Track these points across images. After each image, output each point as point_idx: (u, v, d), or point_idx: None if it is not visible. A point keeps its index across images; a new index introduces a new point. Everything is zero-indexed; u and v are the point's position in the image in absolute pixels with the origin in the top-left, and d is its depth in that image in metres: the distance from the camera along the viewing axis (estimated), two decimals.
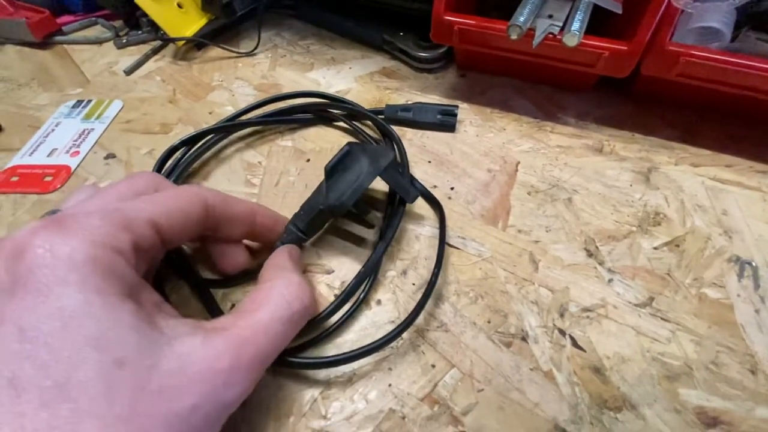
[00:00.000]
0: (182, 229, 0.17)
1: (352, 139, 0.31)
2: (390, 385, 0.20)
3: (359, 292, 0.22)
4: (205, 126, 0.31)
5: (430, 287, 0.21)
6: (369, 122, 0.31)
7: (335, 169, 0.21)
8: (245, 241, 0.23)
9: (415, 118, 0.31)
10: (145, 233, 0.15)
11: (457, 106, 0.31)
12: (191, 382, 0.13)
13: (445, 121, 0.31)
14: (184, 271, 0.23)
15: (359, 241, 0.25)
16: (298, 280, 0.17)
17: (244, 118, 0.31)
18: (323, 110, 0.32)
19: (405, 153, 0.28)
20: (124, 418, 0.12)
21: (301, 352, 0.20)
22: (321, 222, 0.23)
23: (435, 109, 0.31)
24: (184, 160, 0.28)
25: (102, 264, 0.13)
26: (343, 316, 0.21)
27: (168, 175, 0.27)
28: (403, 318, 0.22)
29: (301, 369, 0.20)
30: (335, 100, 0.32)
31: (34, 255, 0.13)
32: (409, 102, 0.33)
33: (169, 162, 0.28)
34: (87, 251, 0.13)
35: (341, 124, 0.32)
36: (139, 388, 0.12)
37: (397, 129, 0.31)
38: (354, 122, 0.31)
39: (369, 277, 0.23)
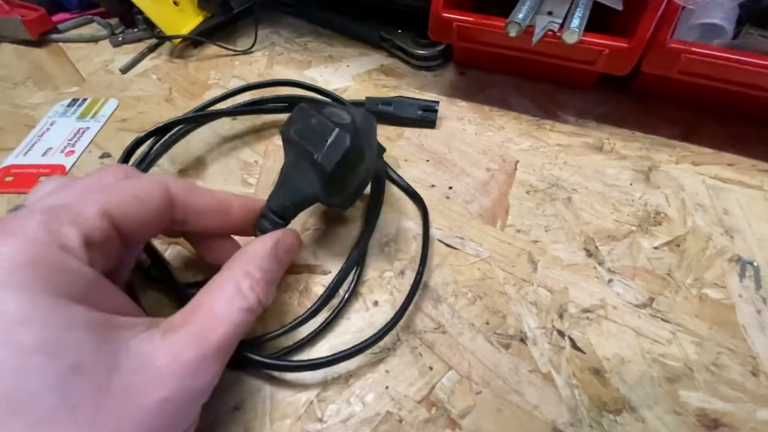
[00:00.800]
0: (140, 220, 0.16)
1: None
2: (387, 387, 0.19)
3: (348, 283, 0.22)
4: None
5: (417, 281, 0.21)
6: None
7: (290, 133, 0.19)
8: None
9: (395, 113, 0.31)
10: (96, 225, 0.14)
11: (437, 102, 0.31)
12: (157, 376, 0.13)
13: (425, 117, 0.31)
14: (162, 273, 0.22)
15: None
16: (256, 275, 0.16)
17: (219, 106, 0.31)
18: (300, 100, 0.31)
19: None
20: (89, 422, 0.11)
21: (295, 352, 0.20)
22: (297, 195, 0.20)
23: (416, 104, 0.31)
24: (154, 152, 0.28)
25: (47, 264, 0.12)
26: (334, 310, 0.21)
27: (137, 167, 0.27)
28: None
29: (286, 372, 0.20)
30: (311, 89, 0.31)
31: None
32: None
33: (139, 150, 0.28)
34: (28, 251, 0.12)
35: None
36: (101, 390, 0.12)
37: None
38: None
39: (357, 266, 0.23)
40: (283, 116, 0.32)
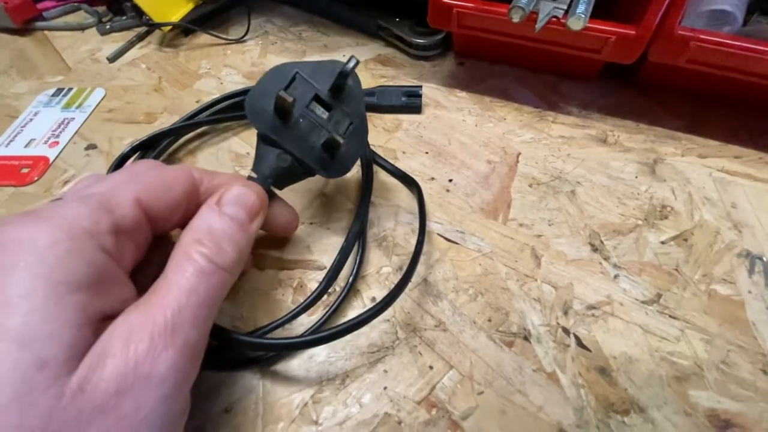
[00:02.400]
0: (169, 205, 0.16)
1: None
2: (385, 387, 0.19)
3: (346, 278, 0.21)
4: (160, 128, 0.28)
5: (413, 263, 0.20)
6: None
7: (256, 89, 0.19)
8: None
9: (379, 102, 0.30)
10: (128, 213, 0.14)
11: (420, 86, 0.31)
12: (108, 369, 0.12)
13: (410, 103, 0.30)
14: None
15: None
16: (199, 236, 0.15)
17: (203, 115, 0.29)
18: None
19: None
20: (37, 426, 0.10)
21: (294, 349, 0.19)
22: (277, 157, 0.19)
23: (399, 91, 0.31)
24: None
25: (65, 248, 0.12)
26: (331, 306, 0.20)
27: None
28: (398, 315, 0.21)
29: (281, 351, 0.19)
30: None
31: (1, 245, 0.12)
32: None
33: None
34: (51, 235, 0.12)
35: None
36: (58, 393, 0.11)
37: None
38: None
39: (358, 253, 0.22)
40: None
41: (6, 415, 0.10)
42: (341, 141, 0.19)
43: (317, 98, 0.20)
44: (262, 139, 0.19)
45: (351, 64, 0.19)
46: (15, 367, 0.11)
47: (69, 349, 0.11)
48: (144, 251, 0.16)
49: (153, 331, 0.12)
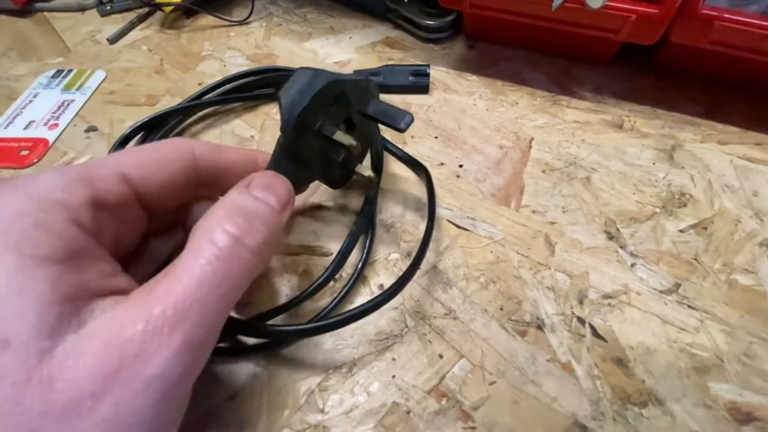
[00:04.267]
0: (162, 182, 0.15)
1: None
2: (393, 376, 0.18)
3: (355, 265, 0.21)
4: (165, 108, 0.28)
5: (422, 250, 0.20)
6: None
7: (287, 91, 0.17)
8: None
9: (385, 82, 0.29)
10: (110, 187, 0.13)
11: (428, 65, 0.30)
12: (88, 365, 0.10)
13: (417, 83, 0.29)
14: None
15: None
16: (224, 214, 0.13)
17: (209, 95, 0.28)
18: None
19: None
20: (5, 414, 0.09)
21: (298, 337, 0.19)
22: (295, 166, 0.18)
23: (406, 70, 0.30)
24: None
25: (33, 219, 0.11)
26: (340, 293, 0.20)
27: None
28: (407, 303, 0.20)
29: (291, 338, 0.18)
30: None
31: None
32: None
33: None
34: (19, 205, 0.11)
35: None
36: (24, 377, 0.10)
37: None
38: None
39: (366, 240, 0.21)
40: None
41: None
42: (372, 177, 0.19)
43: (347, 119, 0.19)
44: (286, 149, 0.18)
45: (406, 124, 0.18)
46: None
47: (36, 327, 0.10)
48: (135, 232, 0.15)
49: (147, 327, 0.11)
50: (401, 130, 0.19)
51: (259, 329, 0.18)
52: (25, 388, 0.10)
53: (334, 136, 0.18)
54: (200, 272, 0.12)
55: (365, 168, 0.20)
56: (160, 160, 0.15)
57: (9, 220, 0.11)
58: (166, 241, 0.18)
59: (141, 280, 0.13)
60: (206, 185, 0.17)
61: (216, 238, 0.13)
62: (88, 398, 0.10)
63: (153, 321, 0.11)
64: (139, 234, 0.15)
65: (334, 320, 0.17)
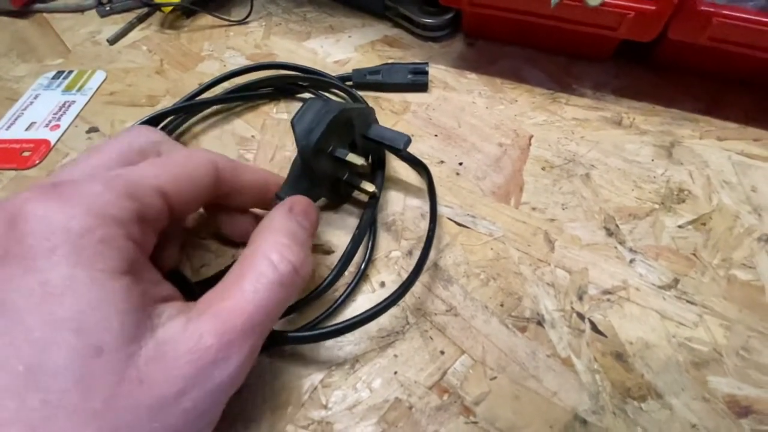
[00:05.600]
0: (191, 197, 0.16)
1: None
2: (396, 372, 0.18)
3: (358, 264, 0.21)
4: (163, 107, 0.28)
5: (425, 250, 0.20)
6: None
7: (300, 119, 0.19)
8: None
9: (384, 81, 0.30)
10: (152, 202, 0.14)
11: (427, 63, 0.30)
12: (172, 367, 0.12)
13: (416, 81, 0.30)
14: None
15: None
16: (284, 241, 0.15)
17: (207, 94, 0.29)
18: (293, 82, 0.29)
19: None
20: (100, 413, 0.11)
21: (306, 342, 0.19)
22: (307, 189, 0.20)
23: (405, 68, 0.30)
24: None
25: (99, 236, 0.12)
26: (345, 291, 0.20)
27: None
28: (408, 300, 0.20)
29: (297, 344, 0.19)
30: (297, 70, 0.30)
31: (26, 222, 0.12)
32: None
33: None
34: (84, 221, 0.12)
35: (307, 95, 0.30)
36: (117, 378, 0.11)
37: (370, 94, 0.30)
38: (321, 92, 0.30)
39: (369, 242, 0.22)
40: (293, 99, 0.30)
41: (69, 398, 0.10)
42: (374, 192, 0.21)
43: (352, 142, 0.21)
44: (303, 171, 0.19)
45: (405, 145, 0.21)
46: (73, 354, 0.11)
47: (122, 335, 0.11)
48: (157, 237, 0.16)
49: (223, 338, 0.12)
50: (401, 151, 0.21)
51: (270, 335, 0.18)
52: (117, 387, 0.11)
53: (347, 158, 0.20)
54: (265, 296, 0.13)
55: (367, 183, 0.21)
56: (192, 176, 0.16)
57: (77, 236, 0.11)
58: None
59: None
60: (222, 198, 0.18)
61: (278, 265, 0.14)
62: (171, 396, 0.12)
63: (228, 334, 0.13)
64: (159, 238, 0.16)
65: (341, 326, 0.17)
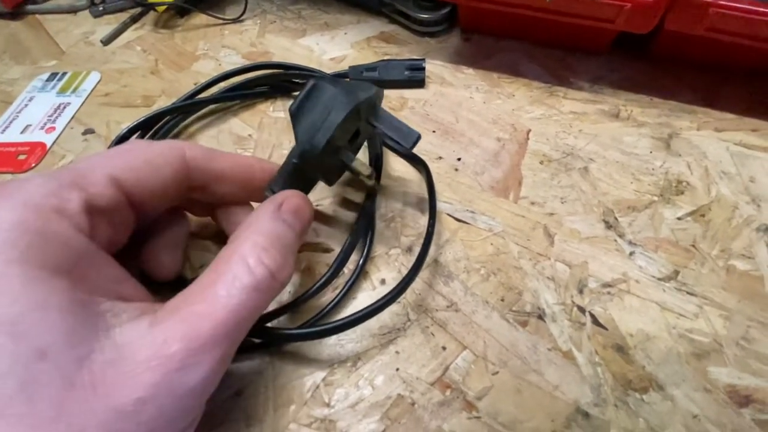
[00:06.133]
0: (154, 187, 0.15)
1: None
2: (397, 369, 0.18)
3: (356, 260, 0.21)
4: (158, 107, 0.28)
5: (425, 246, 0.20)
6: None
7: (302, 109, 0.17)
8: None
9: (381, 77, 0.29)
10: (102, 191, 0.13)
11: (424, 59, 0.30)
12: (132, 373, 0.11)
13: (413, 77, 0.29)
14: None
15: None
16: (264, 243, 0.14)
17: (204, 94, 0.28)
18: (287, 80, 0.29)
19: None
20: (51, 419, 0.10)
21: (304, 340, 0.19)
22: (303, 181, 0.19)
23: (402, 65, 0.30)
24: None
25: (35, 228, 0.11)
26: (343, 289, 0.20)
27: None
28: (409, 296, 0.20)
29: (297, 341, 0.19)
30: (293, 69, 0.29)
31: None
32: None
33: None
34: (16, 214, 0.11)
35: None
36: (66, 383, 0.10)
37: None
38: None
39: (367, 239, 0.21)
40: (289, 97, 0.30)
41: (15, 406, 0.10)
42: (377, 189, 0.20)
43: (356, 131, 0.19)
44: (301, 168, 0.18)
45: (413, 143, 0.19)
46: (13, 358, 0.10)
47: (67, 336, 0.11)
48: (125, 233, 0.15)
49: (191, 344, 0.12)
50: (408, 150, 0.19)
51: (266, 333, 0.18)
52: (67, 393, 0.10)
53: (353, 164, 0.19)
54: (238, 301, 0.13)
55: (363, 164, 0.20)
56: (151, 163, 0.15)
57: (7, 230, 0.11)
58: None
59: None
60: (199, 189, 0.17)
61: (255, 269, 0.13)
62: (131, 403, 0.11)
63: (195, 340, 0.12)
64: (128, 235, 0.15)
65: (342, 322, 0.17)
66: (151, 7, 0.36)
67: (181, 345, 0.12)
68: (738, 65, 0.30)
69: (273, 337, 0.18)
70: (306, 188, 0.19)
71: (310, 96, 0.17)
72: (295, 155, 0.18)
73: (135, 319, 0.12)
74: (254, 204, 0.20)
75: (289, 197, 0.16)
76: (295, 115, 0.17)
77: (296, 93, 0.30)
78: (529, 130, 0.27)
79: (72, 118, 0.29)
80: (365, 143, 0.25)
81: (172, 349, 0.11)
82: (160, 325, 0.12)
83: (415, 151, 0.25)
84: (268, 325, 0.18)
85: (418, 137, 0.19)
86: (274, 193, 0.18)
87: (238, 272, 0.13)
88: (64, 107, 0.30)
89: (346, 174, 0.21)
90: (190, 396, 0.12)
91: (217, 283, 0.13)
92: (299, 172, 0.18)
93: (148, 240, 0.17)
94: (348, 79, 0.30)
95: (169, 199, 0.16)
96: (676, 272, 0.21)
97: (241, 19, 0.36)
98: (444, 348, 0.19)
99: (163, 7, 0.36)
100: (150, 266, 0.17)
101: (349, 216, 0.23)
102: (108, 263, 0.13)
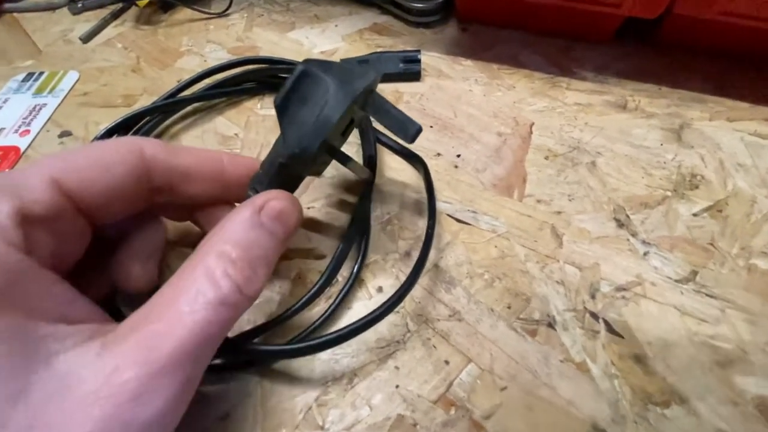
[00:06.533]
0: (106, 189, 0.13)
1: None
2: (397, 386, 0.17)
3: (350, 268, 0.19)
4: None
5: (425, 250, 0.18)
6: None
7: (290, 101, 0.15)
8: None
9: (375, 71, 0.28)
10: (39, 197, 0.12)
11: (419, 51, 0.28)
12: (77, 408, 0.09)
13: (408, 70, 0.28)
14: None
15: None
16: (232, 254, 0.12)
17: (187, 92, 0.27)
18: (274, 76, 0.28)
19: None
20: None
21: (299, 355, 0.17)
22: (289, 179, 0.17)
23: (396, 57, 0.28)
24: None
25: None
26: (336, 299, 0.18)
27: None
28: (408, 305, 0.19)
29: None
30: (281, 64, 0.28)
31: None
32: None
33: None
34: None
35: None
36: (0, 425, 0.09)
37: None
38: None
39: (361, 244, 0.20)
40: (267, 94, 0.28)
41: None
42: (372, 180, 0.19)
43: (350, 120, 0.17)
44: (288, 167, 0.16)
45: (414, 136, 0.17)
46: None
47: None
48: (78, 245, 0.13)
49: (147, 369, 0.10)
50: (410, 140, 0.17)
51: (250, 351, 0.16)
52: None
53: (349, 165, 0.17)
54: (203, 317, 0.11)
55: (361, 168, 0.19)
56: (100, 162, 0.13)
57: None
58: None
59: (97, 293, 0.12)
60: (165, 190, 0.15)
61: (220, 282, 0.12)
62: None
63: (152, 364, 0.10)
64: (83, 247, 0.13)
65: (335, 336, 0.15)
66: (133, 2, 0.34)
67: (135, 371, 0.10)
68: (751, 51, 0.28)
69: (261, 354, 0.16)
70: (292, 186, 0.18)
71: (299, 86, 0.15)
72: (283, 156, 0.16)
73: (82, 343, 0.10)
74: (239, 204, 0.19)
75: (272, 199, 0.14)
76: (282, 109, 0.15)
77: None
78: (532, 124, 0.26)
79: (48, 119, 0.28)
80: (359, 143, 0.24)
81: (125, 376, 0.10)
82: (111, 349, 0.10)
83: (412, 147, 0.24)
84: (255, 341, 0.17)
85: (419, 129, 0.17)
86: (257, 192, 0.16)
87: (202, 286, 0.12)
88: (40, 108, 0.28)
89: (341, 174, 0.20)
90: (148, 430, 0.10)
91: (180, 298, 0.11)
92: (286, 170, 0.16)
93: (117, 250, 0.15)
94: (339, 61, 0.28)
95: (130, 202, 0.14)
96: (694, 273, 0.19)
97: (227, 12, 0.35)
98: (447, 362, 0.17)
99: (145, 2, 0.34)
100: (121, 279, 0.15)
101: (344, 219, 0.22)
102: (49, 281, 0.11)
